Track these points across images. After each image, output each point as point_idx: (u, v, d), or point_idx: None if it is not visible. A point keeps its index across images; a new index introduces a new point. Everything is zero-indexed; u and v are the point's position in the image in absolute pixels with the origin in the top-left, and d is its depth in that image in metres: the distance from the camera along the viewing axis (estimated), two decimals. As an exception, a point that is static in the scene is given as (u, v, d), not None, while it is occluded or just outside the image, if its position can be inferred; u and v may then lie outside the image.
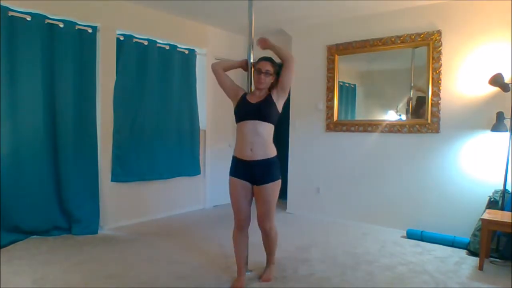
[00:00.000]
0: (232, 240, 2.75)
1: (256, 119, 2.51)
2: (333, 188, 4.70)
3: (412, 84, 4.16)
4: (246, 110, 2.56)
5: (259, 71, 2.57)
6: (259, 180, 2.55)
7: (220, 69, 2.72)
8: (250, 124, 2.52)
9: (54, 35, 3.64)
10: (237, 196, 2.62)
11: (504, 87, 3.38)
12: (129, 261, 3.13)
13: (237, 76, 5.40)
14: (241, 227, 2.69)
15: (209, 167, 5.20)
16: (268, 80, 2.59)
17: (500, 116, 3.41)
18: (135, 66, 4.25)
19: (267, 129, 2.55)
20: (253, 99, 2.61)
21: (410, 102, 4.20)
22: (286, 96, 2.67)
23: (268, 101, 2.58)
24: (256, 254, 3.17)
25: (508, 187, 3.45)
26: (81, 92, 3.84)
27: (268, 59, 2.62)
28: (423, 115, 4.02)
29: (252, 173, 2.55)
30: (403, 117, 4.22)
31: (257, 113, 2.52)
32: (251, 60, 2.82)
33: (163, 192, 4.67)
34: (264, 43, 2.68)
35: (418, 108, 4.12)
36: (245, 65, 2.81)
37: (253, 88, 2.74)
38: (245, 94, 2.67)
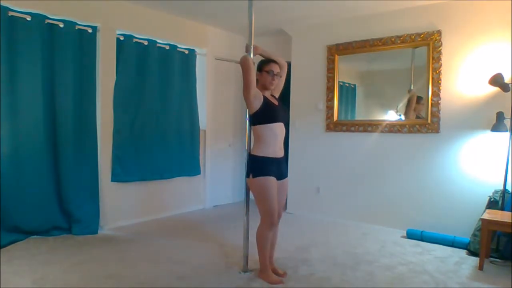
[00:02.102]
0: (261, 240, 2.73)
1: (283, 121, 2.77)
2: (333, 188, 4.70)
3: (411, 86, 4.17)
4: (277, 113, 2.71)
5: (271, 73, 2.71)
6: (284, 174, 2.84)
7: (252, 63, 2.68)
8: (281, 126, 2.73)
9: (54, 35, 3.64)
10: (275, 194, 2.67)
11: (504, 87, 3.38)
12: (129, 261, 3.13)
13: (230, 74, 5.44)
14: (275, 225, 2.74)
15: (209, 167, 5.20)
16: (277, 81, 2.79)
17: (500, 116, 3.41)
18: (135, 66, 4.25)
19: None
20: (273, 101, 2.77)
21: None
22: None
23: (283, 106, 2.85)
24: (256, 254, 3.17)
25: (508, 187, 3.45)
26: (81, 92, 3.84)
27: (275, 62, 2.78)
28: (411, 115, 4.16)
29: (281, 168, 2.78)
30: (403, 117, 4.22)
31: (286, 116, 2.86)
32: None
33: (163, 192, 4.67)
34: (255, 50, 2.87)
35: (407, 109, 4.19)
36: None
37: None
38: (264, 97, 2.71)
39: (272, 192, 2.64)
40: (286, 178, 2.87)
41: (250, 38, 2.87)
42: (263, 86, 2.75)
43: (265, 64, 2.75)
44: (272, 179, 2.65)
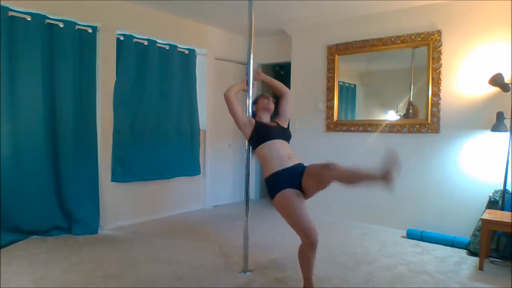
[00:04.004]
0: (299, 256, 2.56)
1: (283, 139, 2.72)
2: (333, 188, 4.65)
3: (411, 86, 4.17)
4: (270, 132, 2.69)
5: (265, 96, 2.88)
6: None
7: (233, 97, 2.77)
8: (280, 142, 2.67)
9: (54, 35, 3.63)
10: (301, 206, 2.44)
11: (504, 87, 3.38)
12: (129, 261, 3.13)
13: (229, 74, 5.43)
14: (314, 243, 2.40)
15: (209, 167, 5.20)
16: (273, 105, 2.88)
17: (500, 116, 3.41)
18: (135, 66, 4.25)
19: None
20: (270, 123, 2.81)
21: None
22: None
23: (282, 126, 2.85)
24: (256, 254, 3.17)
25: (508, 187, 3.45)
26: (81, 92, 3.84)
27: (266, 96, 2.93)
28: (416, 116, 4.16)
29: (296, 174, 2.52)
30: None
31: (283, 135, 2.74)
32: (251, 61, 2.85)
33: (163, 192, 4.67)
34: (258, 75, 2.98)
35: (413, 114, 4.21)
36: (246, 86, 2.94)
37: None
38: (256, 121, 2.78)
39: (294, 204, 2.40)
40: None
41: (250, 38, 2.87)
42: (264, 109, 2.86)
43: (257, 98, 2.92)
44: (289, 191, 2.43)
